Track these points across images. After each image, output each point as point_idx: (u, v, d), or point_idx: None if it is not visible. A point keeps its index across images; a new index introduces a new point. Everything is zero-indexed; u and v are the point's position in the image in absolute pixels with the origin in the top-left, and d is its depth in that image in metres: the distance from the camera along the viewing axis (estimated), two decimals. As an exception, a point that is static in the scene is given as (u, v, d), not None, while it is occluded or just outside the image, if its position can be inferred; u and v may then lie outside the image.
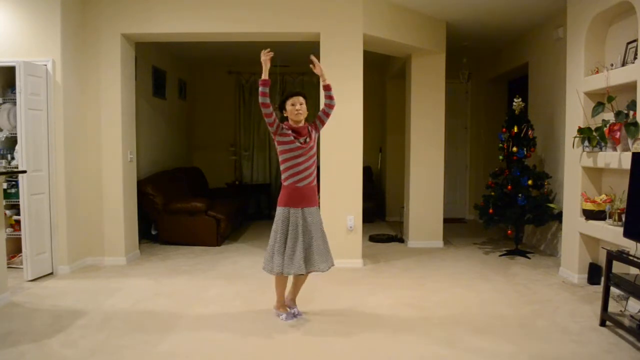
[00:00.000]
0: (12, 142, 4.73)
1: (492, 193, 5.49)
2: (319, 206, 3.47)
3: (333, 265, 3.45)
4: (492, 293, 4.11)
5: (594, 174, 4.30)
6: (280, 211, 3.38)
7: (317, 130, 3.48)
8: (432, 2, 5.13)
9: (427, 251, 5.71)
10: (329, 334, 3.22)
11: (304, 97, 3.43)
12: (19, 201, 4.42)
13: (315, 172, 3.44)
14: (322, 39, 4.94)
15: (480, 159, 7.97)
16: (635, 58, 3.70)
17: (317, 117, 3.46)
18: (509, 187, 5.31)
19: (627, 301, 3.58)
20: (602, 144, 3.92)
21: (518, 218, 5.29)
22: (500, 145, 5.54)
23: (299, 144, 3.33)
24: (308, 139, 3.36)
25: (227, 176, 8.50)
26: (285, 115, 3.45)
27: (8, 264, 4.21)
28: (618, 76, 3.75)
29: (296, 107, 3.35)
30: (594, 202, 4.07)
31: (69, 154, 4.72)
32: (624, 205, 3.57)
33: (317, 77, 3.63)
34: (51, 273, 4.62)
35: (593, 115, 4.02)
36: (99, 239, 5.04)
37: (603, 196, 4.07)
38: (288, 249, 3.31)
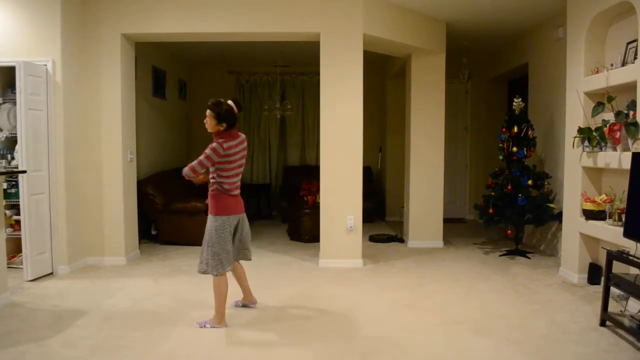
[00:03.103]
0: (12, 142, 4.73)
1: (492, 193, 5.49)
2: (214, 215, 3.62)
3: (201, 272, 3.42)
4: (492, 293, 4.11)
5: (594, 174, 4.30)
6: None
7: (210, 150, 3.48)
8: (432, 2, 5.13)
9: (427, 251, 5.71)
10: (329, 334, 3.23)
11: (212, 111, 3.49)
12: (19, 201, 4.42)
13: (211, 182, 3.57)
14: (322, 39, 4.94)
15: (480, 159, 7.97)
16: (635, 58, 3.70)
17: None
18: (509, 187, 5.31)
19: (627, 301, 3.58)
20: (602, 144, 3.92)
21: (518, 218, 5.29)
22: (500, 145, 5.54)
23: None
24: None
25: (227, 176, 8.48)
26: None
27: (8, 264, 4.21)
28: (618, 76, 3.75)
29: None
30: (594, 202, 4.07)
31: (69, 154, 4.72)
32: (624, 205, 3.57)
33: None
34: (51, 273, 4.63)
35: (593, 115, 4.02)
36: (99, 239, 5.04)
37: (603, 196, 4.07)
38: None
